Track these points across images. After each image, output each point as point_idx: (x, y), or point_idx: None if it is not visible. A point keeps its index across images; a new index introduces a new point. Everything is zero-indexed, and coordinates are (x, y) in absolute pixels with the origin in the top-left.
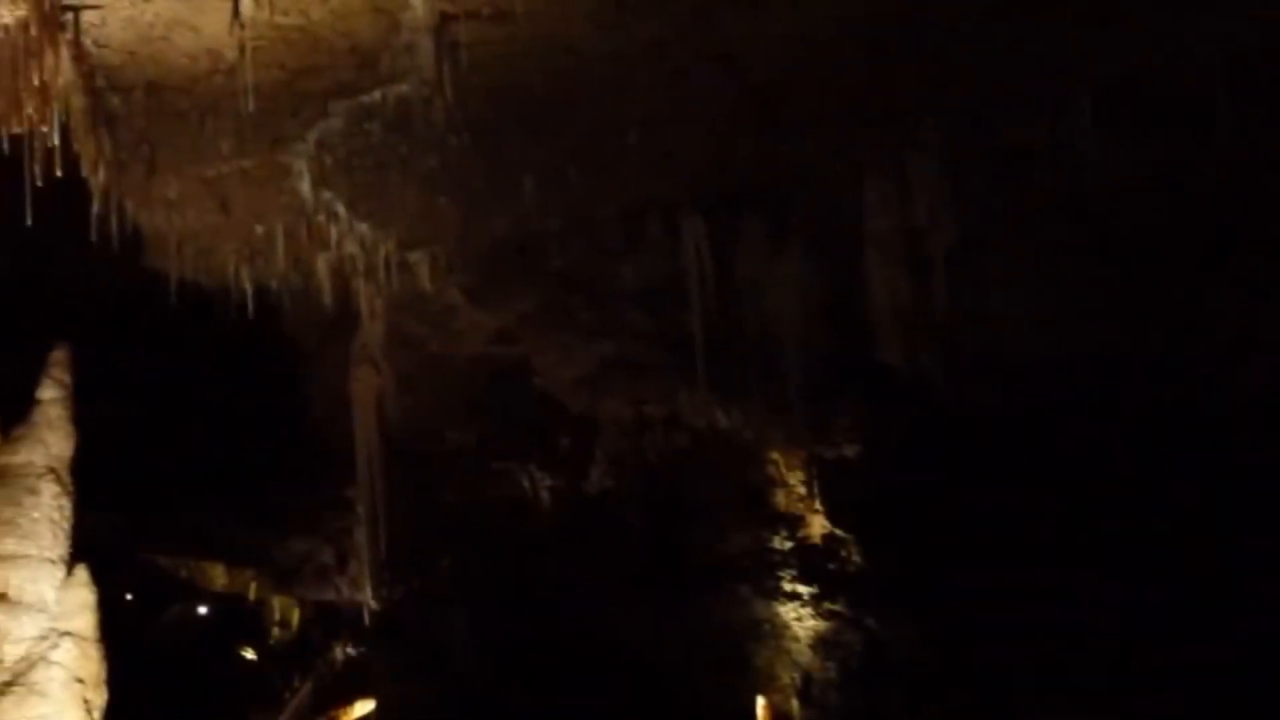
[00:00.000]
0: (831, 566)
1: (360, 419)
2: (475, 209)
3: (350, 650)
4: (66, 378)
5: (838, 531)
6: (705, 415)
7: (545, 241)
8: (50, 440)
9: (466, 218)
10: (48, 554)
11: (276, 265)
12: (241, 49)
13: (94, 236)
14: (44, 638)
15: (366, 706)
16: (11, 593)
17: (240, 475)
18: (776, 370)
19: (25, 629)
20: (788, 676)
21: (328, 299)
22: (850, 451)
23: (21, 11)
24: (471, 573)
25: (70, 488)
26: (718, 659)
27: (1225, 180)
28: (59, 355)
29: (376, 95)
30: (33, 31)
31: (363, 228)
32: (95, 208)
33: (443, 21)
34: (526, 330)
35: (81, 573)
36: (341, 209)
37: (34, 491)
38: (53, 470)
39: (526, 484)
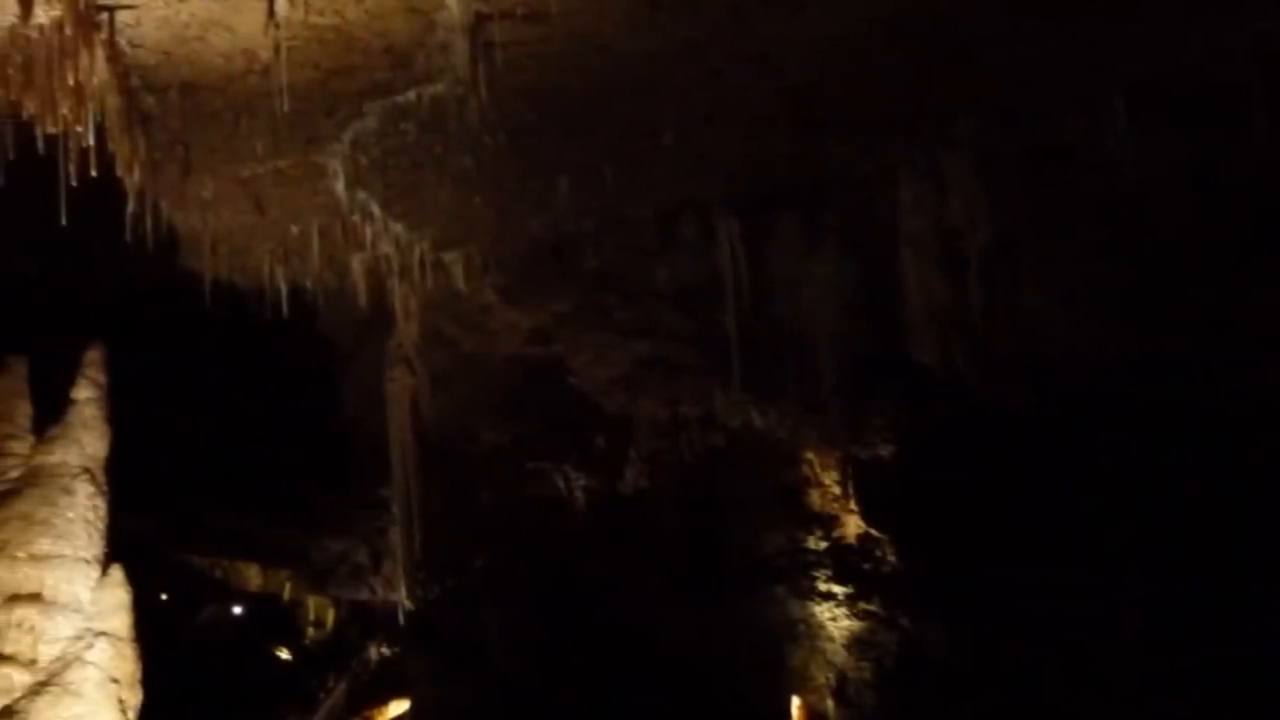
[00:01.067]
0: (866, 566)
1: (395, 419)
2: (510, 209)
3: (385, 650)
4: (101, 377)
5: (872, 531)
6: (740, 415)
7: (580, 241)
8: (85, 440)
9: (501, 218)
10: (83, 554)
11: (311, 265)
12: (276, 49)
13: (128, 237)
14: (79, 638)
15: (401, 706)
16: (46, 593)
17: (275, 475)
18: (811, 370)
19: (60, 629)
20: (823, 676)
21: (363, 299)
22: (885, 451)
23: (56, 11)
24: (506, 572)
25: (105, 488)
26: (753, 659)
27: (1260, 179)
28: (93, 355)
29: (411, 95)
30: (68, 31)
31: (398, 228)
32: (130, 208)
33: (478, 21)
34: (562, 330)
35: (116, 573)
36: (376, 209)
37: (69, 491)
38: (88, 470)
39: (561, 484)
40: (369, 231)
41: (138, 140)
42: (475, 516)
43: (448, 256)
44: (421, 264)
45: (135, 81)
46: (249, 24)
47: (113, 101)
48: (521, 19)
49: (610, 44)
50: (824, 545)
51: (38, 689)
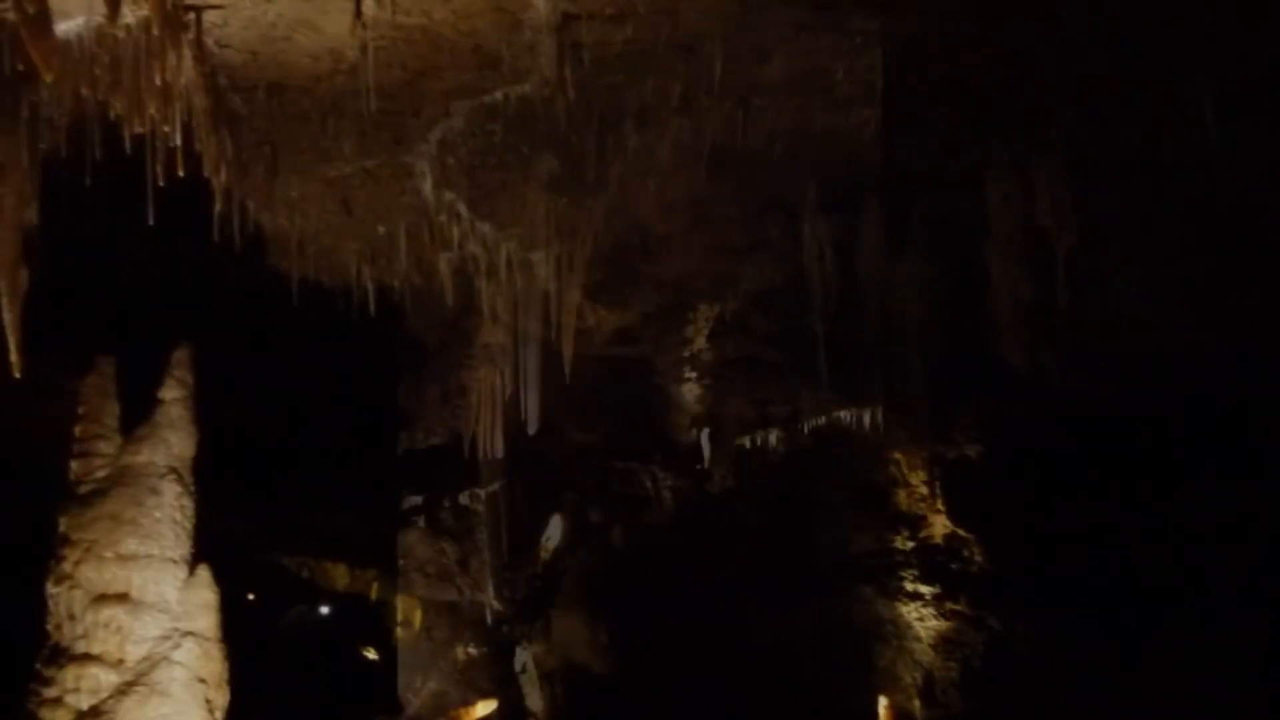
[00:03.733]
0: (953, 566)
1: (482, 419)
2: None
3: (472, 650)
4: (189, 377)
5: (959, 531)
6: (826, 414)
7: (667, 241)
8: (172, 440)
9: (588, 217)
10: (170, 554)
11: (398, 265)
12: (364, 49)
13: (216, 237)
14: (166, 638)
15: (489, 707)
16: (134, 593)
17: (362, 475)
18: (898, 369)
19: (148, 629)
20: (909, 676)
21: (449, 298)
22: (972, 451)
23: (144, 11)
24: (594, 573)
25: (192, 488)
26: (840, 659)
27: None
28: (181, 355)
29: (498, 95)
30: (155, 31)
31: (484, 227)
32: (217, 208)
33: (565, 21)
34: (648, 330)
35: (203, 573)
36: (463, 209)
37: (156, 491)
38: (175, 470)
39: (648, 483)
40: (456, 231)
41: (225, 140)
42: (563, 516)
43: (535, 256)
44: (508, 264)
45: (222, 81)
46: (336, 24)
47: (200, 101)
48: (608, 19)
49: (697, 45)
50: (911, 545)
51: (125, 689)
